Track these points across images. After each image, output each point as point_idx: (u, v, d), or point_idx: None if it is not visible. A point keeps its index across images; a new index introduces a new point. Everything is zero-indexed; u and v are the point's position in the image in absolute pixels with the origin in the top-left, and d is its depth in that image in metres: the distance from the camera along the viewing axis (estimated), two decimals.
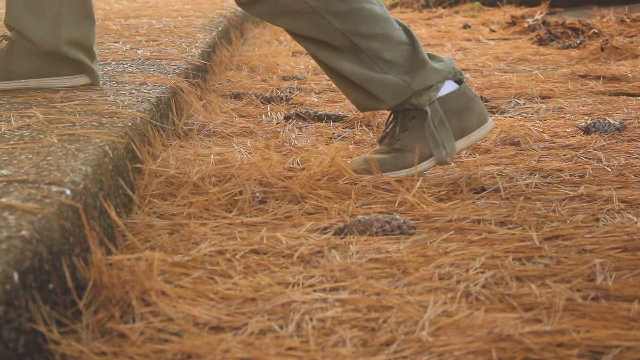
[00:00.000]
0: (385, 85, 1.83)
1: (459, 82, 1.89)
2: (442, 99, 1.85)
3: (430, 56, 1.87)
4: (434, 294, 1.28)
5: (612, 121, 2.30)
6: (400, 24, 1.86)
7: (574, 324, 1.17)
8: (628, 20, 4.39)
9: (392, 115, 1.91)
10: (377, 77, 1.82)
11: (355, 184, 1.80)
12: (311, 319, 1.20)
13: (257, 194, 1.74)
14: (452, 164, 1.92)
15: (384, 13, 1.84)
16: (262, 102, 2.72)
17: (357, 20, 1.81)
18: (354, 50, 1.83)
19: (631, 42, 3.65)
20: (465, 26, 4.76)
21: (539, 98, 2.79)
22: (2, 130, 1.68)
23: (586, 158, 2.03)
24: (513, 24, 4.74)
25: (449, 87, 1.87)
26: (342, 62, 1.84)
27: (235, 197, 1.71)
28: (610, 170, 1.91)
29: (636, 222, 1.57)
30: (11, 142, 1.58)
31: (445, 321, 1.18)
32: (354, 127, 2.38)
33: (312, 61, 3.62)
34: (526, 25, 4.58)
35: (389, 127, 1.91)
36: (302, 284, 1.32)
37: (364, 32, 1.81)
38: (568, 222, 1.59)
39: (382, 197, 1.75)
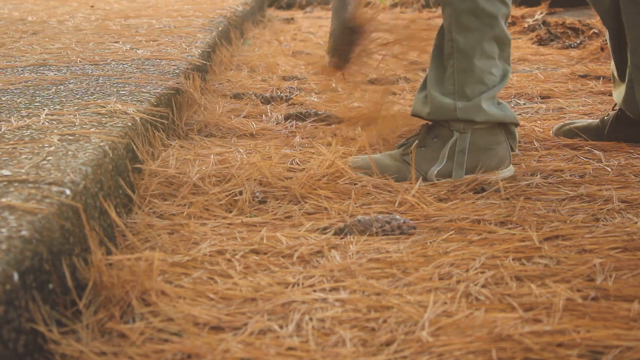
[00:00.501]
0: (438, 101, 1.86)
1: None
2: (473, 130, 1.86)
3: (498, 103, 1.89)
4: (434, 294, 1.28)
5: None
6: (503, 69, 1.88)
7: (574, 324, 1.17)
8: None
9: (420, 129, 1.92)
10: (441, 97, 1.86)
11: (355, 184, 1.80)
12: (311, 319, 1.20)
13: (257, 194, 1.74)
14: None
15: (493, 54, 1.85)
16: (262, 102, 2.72)
17: (470, 41, 1.84)
18: (449, 60, 1.86)
19: None
20: None
21: (539, 98, 2.79)
22: (2, 130, 1.68)
23: (586, 158, 2.03)
24: (513, 24, 4.74)
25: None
26: (432, 67, 1.90)
27: (235, 197, 1.71)
28: (610, 170, 1.91)
29: (636, 222, 1.57)
30: (11, 142, 1.58)
31: (445, 321, 1.18)
32: (354, 127, 2.38)
33: (312, 61, 3.63)
34: (526, 25, 4.58)
35: (411, 139, 1.92)
36: (302, 284, 1.32)
37: (468, 52, 1.84)
38: (568, 222, 1.59)
39: (382, 197, 1.75)
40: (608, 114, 2.19)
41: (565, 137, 2.21)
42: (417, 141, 1.89)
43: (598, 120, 2.21)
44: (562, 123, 2.27)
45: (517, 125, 1.91)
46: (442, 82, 1.88)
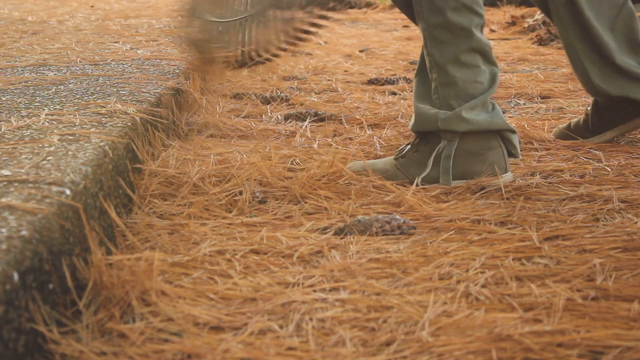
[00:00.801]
0: (422, 112, 1.85)
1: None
2: (463, 135, 1.83)
3: (492, 107, 1.86)
4: (434, 294, 1.28)
5: None
6: (491, 73, 1.85)
7: (574, 324, 1.17)
8: None
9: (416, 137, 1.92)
10: (426, 108, 1.85)
11: (355, 184, 1.80)
12: (311, 319, 1.20)
13: (257, 194, 1.74)
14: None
15: (475, 62, 1.82)
16: (262, 102, 2.72)
17: (446, 54, 1.81)
18: (431, 74, 1.85)
19: None
20: None
21: (539, 98, 2.79)
22: (2, 130, 1.68)
23: (586, 158, 2.03)
24: (513, 24, 4.74)
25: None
26: (417, 81, 1.89)
27: (235, 197, 1.71)
28: (610, 170, 1.91)
29: (636, 222, 1.57)
30: (11, 142, 1.58)
31: (445, 321, 1.18)
32: (354, 128, 2.38)
33: (312, 61, 3.63)
34: (526, 25, 4.59)
35: (408, 145, 1.91)
36: (302, 284, 1.32)
37: (445, 66, 1.82)
38: (568, 222, 1.59)
39: (382, 197, 1.75)
40: (589, 104, 2.20)
41: (559, 138, 2.21)
42: (411, 146, 1.89)
43: (583, 114, 2.21)
44: (556, 128, 2.27)
45: (511, 131, 1.85)
46: (429, 96, 1.86)
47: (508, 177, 1.84)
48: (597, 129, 2.16)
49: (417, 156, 1.86)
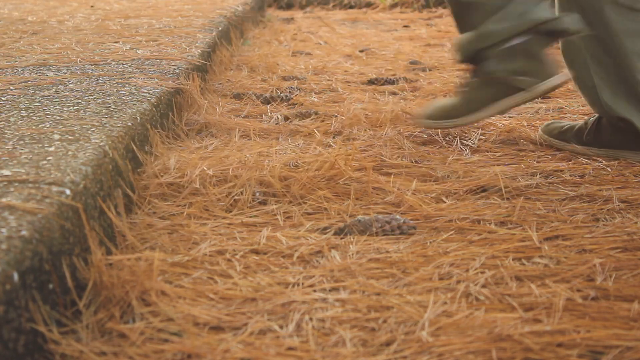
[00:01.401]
0: (482, 31, 2.06)
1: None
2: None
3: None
4: (434, 294, 1.28)
5: None
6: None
7: (574, 324, 1.17)
8: None
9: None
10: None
11: (355, 184, 1.80)
12: (311, 319, 1.20)
13: (257, 194, 1.74)
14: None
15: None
16: (262, 102, 2.72)
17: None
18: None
19: None
20: None
21: (539, 98, 2.78)
22: (2, 130, 1.68)
23: (586, 158, 2.03)
24: None
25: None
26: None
27: (236, 197, 1.71)
28: (610, 170, 1.91)
29: (636, 222, 1.57)
30: (11, 142, 1.58)
31: (445, 321, 1.18)
32: (355, 127, 2.38)
33: (312, 61, 3.64)
34: None
35: (465, 80, 2.08)
36: (302, 284, 1.32)
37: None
38: (568, 222, 1.59)
39: (381, 197, 1.75)
40: (594, 115, 2.12)
41: (552, 137, 2.16)
42: (464, 82, 2.09)
43: (582, 121, 2.14)
44: (549, 122, 2.22)
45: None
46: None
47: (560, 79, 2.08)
48: (590, 143, 2.08)
49: (476, 81, 2.04)
